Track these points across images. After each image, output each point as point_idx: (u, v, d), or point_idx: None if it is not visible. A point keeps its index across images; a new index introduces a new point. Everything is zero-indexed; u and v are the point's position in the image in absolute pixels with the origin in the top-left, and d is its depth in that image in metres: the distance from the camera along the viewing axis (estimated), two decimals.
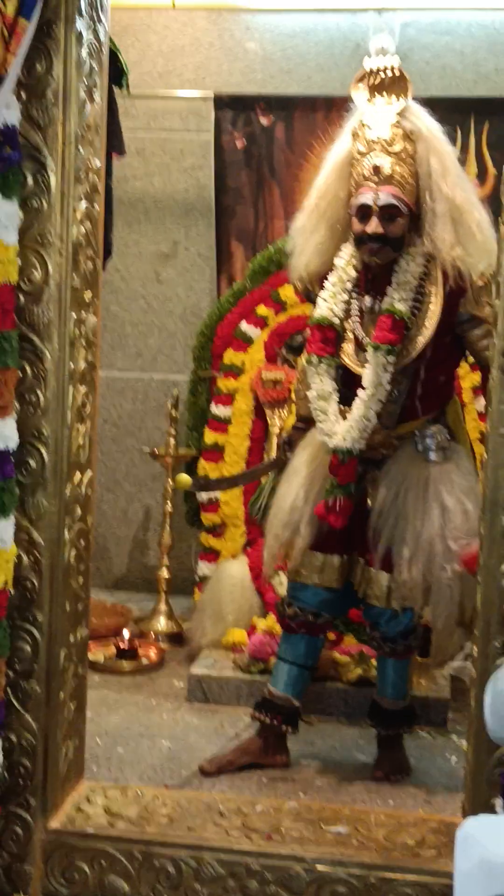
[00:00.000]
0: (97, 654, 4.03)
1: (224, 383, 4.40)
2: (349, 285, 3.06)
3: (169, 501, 4.50)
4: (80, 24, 2.46)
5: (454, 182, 2.96)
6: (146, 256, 5.06)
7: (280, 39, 4.84)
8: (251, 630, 3.90)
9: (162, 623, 4.38)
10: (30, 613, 2.49)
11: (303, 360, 3.24)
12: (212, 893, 2.47)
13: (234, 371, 4.41)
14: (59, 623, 2.52)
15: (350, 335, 3.08)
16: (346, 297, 3.06)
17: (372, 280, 3.03)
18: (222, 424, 4.39)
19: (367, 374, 2.98)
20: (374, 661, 3.66)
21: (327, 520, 3.03)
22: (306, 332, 3.20)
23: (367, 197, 2.94)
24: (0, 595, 2.37)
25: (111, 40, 2.99)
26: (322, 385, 3.05)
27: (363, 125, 2.99)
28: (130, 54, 4.78)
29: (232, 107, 4.75)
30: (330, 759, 3.35)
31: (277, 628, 3.80)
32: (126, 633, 4.17)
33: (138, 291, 5.09)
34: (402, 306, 2.97)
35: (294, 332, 4.28)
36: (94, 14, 2.54)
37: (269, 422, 4.34)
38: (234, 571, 4.10)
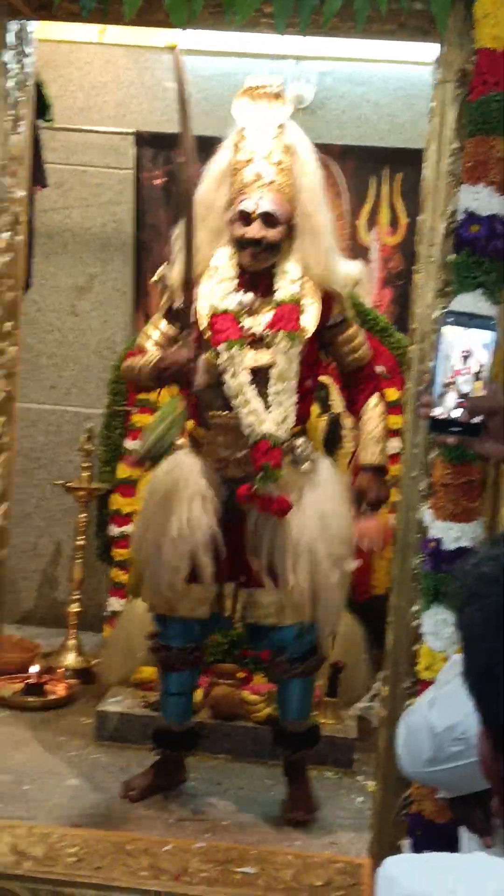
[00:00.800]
0: (4, 689, 3.96)
1: (139, 418, 4.39)
2: (233, 283, 3.11)
3: (81, 535, 4.46)
4: (7, 56, 2.47)
5: (319, 202, 3.12)
6: (62, 289, 5.05)
7: (199, 81, 4.87)
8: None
9: (71, 658, 4.32)
10: None
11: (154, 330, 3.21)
12: None
13: (149, 406, 4.40)
14: None
15: None
16: (231, 291, 3.09)
17: (249, 281, 3.10)
18: None
19: (279, 363, 3.01)
20: None
21: (253, 503, 2.97)
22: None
23: (247, 203, 3.03)
24: None
25: (37, 73, 3.00)
26: (240, 375, 3.02)
27: (244, 136, 3.09)
28: (52, 88, 4.77)
29: (153, 144, 4.78)
30: (238, 798, 3.34)
31: None
32: (34, 669, 4.11)
33: (54, 324, 5.07)
34: (296, 296, 3.06)
35: None
36: (21, 47, 2.56)
37: None
38: (145, 607, 4.08)
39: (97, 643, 4.41)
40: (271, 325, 3.04)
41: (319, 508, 3.06)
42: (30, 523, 5.05)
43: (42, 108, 3.83)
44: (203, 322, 3.07)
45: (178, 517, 3.04)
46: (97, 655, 4.30)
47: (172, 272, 3.12)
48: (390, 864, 1.06)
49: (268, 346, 3.04)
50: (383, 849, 2.42)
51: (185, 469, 3.11)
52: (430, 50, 2.62)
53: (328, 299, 3.13)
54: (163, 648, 3.23)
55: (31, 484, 5.04)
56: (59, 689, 4.09)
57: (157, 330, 3.20)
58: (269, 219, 3.03)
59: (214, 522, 3.03)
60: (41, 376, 5.08)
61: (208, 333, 3.05)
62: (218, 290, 3.08)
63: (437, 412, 1.73)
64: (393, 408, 4.22)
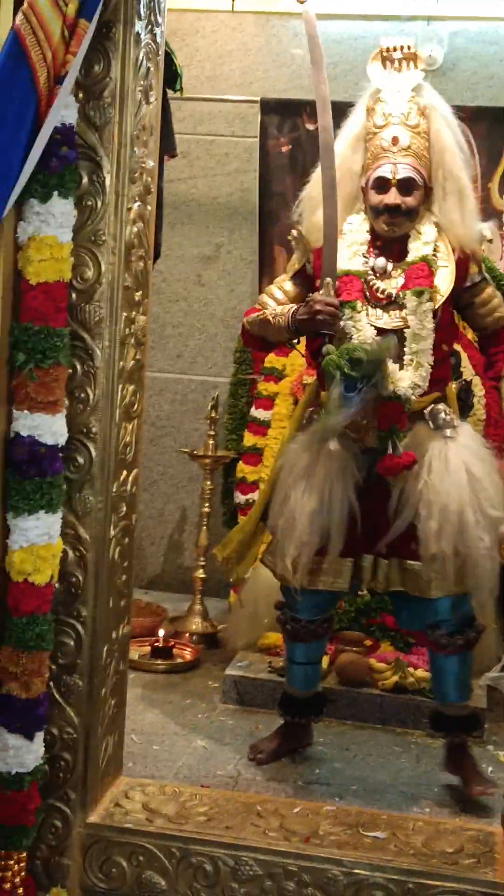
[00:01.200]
0: (132, 652, 4.04)
1: (265, 386, 4.41)
2: (362, 248, 3.08)
3: (206, 503, 4.51)
4: (139, 26, 2.48)
5: (461, 163, 3.06)
6: (188, 259, 5.08)
7: (327, 45, 4.76)
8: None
9: (197, 623, 4.39)
10: (74, 609, 2.51)
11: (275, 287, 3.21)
12: (249, 893, 2.48)
13: (275, 375, 4.42)
14: (102, 619, 2.54)
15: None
16: (361, 259, 3.06)
17: (382, 247, 3.07)
18: (262, 427, 4.40)
19: (413, 322, 2.97)
20: (410, 669, 3.66)
21: (396, 466, 2.93)
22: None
23: (385, 169, 2.99)
24: (46, 589, 2.39)
25: (167, 42, 3.01)
26: (368, 332, 2.98)
27: (379, 100, 3.06)
28: (178, 58, 4.79)
29: (278, 112, 4.76)
30: (366, 764, 3.35)
31: None
32: (161, 633, 4.19)
33: (180, 293, 5.11)
34: (429, 253, 3.02)
35: None
36: (152, 16, 2.56)
37: None
38: (270, 574, 4.09)
39: (222, 609, 4.47)
40: (404, 287, 3.00)
41: (466, 472, 2.98)
42: (156, 490, 5.13)
43: (172, 78, 3.84)
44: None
45: (318, 490, 2.98)
46: (223, 621, 4.35)
47: (309, 233, 3.09)
48: None
49: (401, 308, 3.00)
50: None
51: (308, 451, 3.06)
52: None
53: (464, 260, 3.08)
54: (291, 620, 3.21)
55: (158, 451, 5.11)
56: (185, 653, 4.16)
57: (281, 290, 3.17)
58: (407, 185, 2.99)
59: (353, 496, 2.97)
60: (167, 345, 5.13)
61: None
62: (347, 253, 3.05)
63: None
64: None
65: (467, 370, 4.16)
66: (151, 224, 2.69)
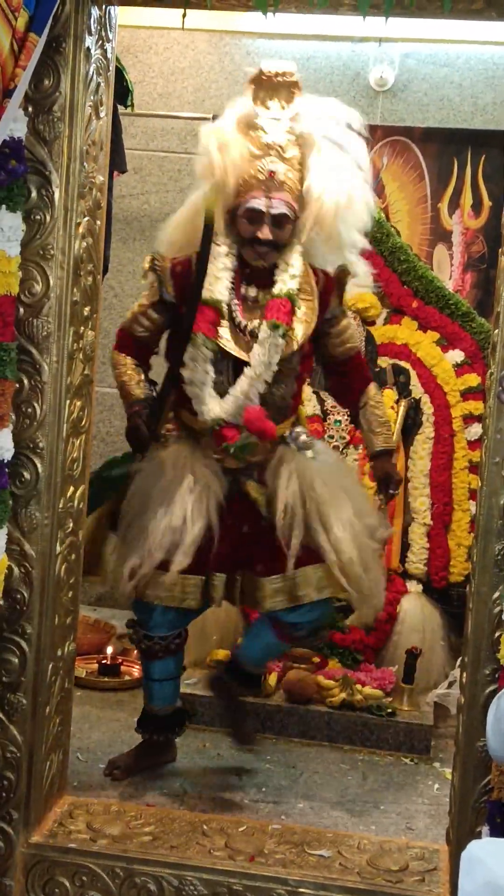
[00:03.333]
0: (80, 669, 4.00)
1: None
2: (229, 277, 3.06)
3: None
4: (89, 42, 2.48)
5: (335, 190, 2.99)
6: (140, 274, 5.05)
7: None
8: (235, 649, 3.89)
9: None
10: (19, 626, 2.49)
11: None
12: None
13: None
14: (47, 636, 2.52)
15: (225, 323, 3.04)
16: (225, 287, 3.05)
17: (250, 274, 3.07)
18: None
19: (256, 353, 2.98)
20: (358, 686, 3.67)
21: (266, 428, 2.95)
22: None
23: (259, 203, 2.97)
24: None
25: (117, 58, 3.01)
26: (201, 368, 3.00)
27: (258, 127, 2.99)
28: (131, 74, 4.79)
29: None
30: (312, 782, 3.34)
31: None
32: (109, 650, 4.15)
33: (131, 309, 5.09)
34: (293, 292, 3.03)
35: None
36: (103, 32, 2.57)
37: None
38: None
39: None
40: (263, 317, 3.01)
41: (339, 485, 3.09)
42: None
43: (123, 93, 3.85)
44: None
45: (179, 506, 2.98)
46: None
47: (166, 262, 3.09)
48: (476, 847, 1.05)
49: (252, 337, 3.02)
50: (461, 835, 2.40)
51: (185, 456, 3.07)
52: None
53: (327, 293, 3.11)
54: (144, 638, 3.18)
55: None
56: (133, 671, 4.13)
57: (147, 318, 3.18)
58: (280, 220, 2.98)
59: (214, 515, 2.99)
60: None
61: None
62: (213, 280, 3.02)
63: None
64: (474, 394, 4.19)
65: (416, 388, 4.20)
66: (101, 239, 2.69)
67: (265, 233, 2.97)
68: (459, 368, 4.23)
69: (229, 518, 3.06)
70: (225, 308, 3.03)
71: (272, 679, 3.72)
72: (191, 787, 3.21)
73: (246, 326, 3.03)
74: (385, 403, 3.44)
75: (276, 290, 3.02)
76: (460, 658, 2.90)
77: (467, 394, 4.20)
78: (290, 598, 3.07)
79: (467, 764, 2.44)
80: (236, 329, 3.04)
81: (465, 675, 2.48)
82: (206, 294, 3.01)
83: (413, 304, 4.28)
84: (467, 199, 4.59)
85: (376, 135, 4.60)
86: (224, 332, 3.03)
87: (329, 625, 3.37)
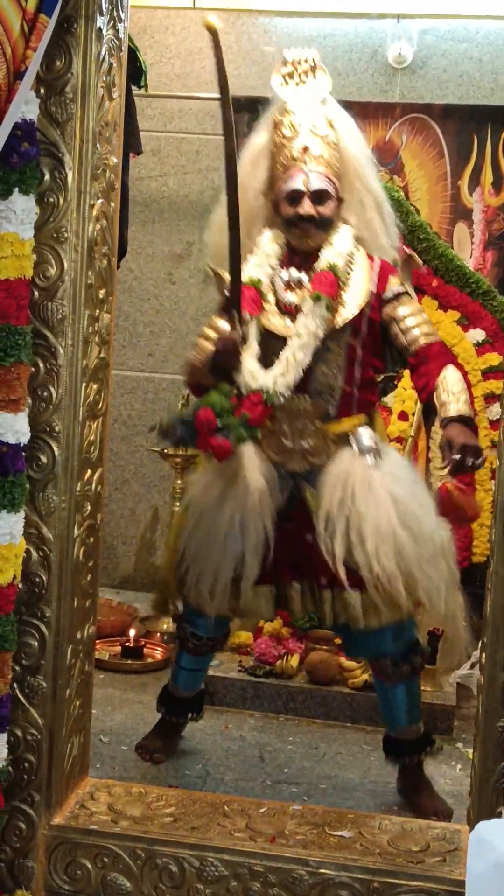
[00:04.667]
0: (102, 652, 4.02)
1: None
2: (273, 261, 3.05)
3: (177, 502, 4.49)
4: (101, 21, 2.46)
5: (372, 175, 3.06)
6: (159, 257, 5.07)
7: (298, 43, 4.80)
8: (257, 633, 3.89)
9: (168, 623, 4.37)
10: (38, 609, 2.49)
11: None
12: (214, 894, 2.46)
13: None
14: (66, 619, 2.52)
15: (272, 305, 3.02)
16: (269, 270, 3.04)
17: (298, 261, 3.03)
18: None
19: (300, 323, 2.93)
20: None
21: (212, 448, 2.74)
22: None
23: (297, 180, 2.96)
24: (8, 589, 2.37)
25: (130, 39, 3.00)
26: (251, 348, 2.95)
27: (287, 111, 3.03)
28: (148, 55, 4.79)
29: (249, 109, 4.71)
30: (335, 763, 3.34)
31: (284, 631, 3.81)
32: (132, 632, 4.17)
33: (151, 291, 5.09)
34: (338, 263, 2.98)
35: None
36: (115, 12, 2.54)
37: None
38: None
39: None
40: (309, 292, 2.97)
41: (391, 498, 2.89)
42: (128, 489, 5.11)
43: (137, 74, 3.82)
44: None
45: (230, 515, 2.91)
46: None
47: (217, 263, 3.06)
48: (484, 827, 1.05)
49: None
50: (482, 816, 2.38)
51: (244, 462, 2.92)
52: None
53: (384, 277, 3.03)
54: (192, 637, 3.16)
55: (129, 451, 5.10)
56: (156, 653, 4.14)
57: (214, 329, 3.05)
58: (320, 196, 2.96)
59: (269, 522, 2.90)
60: (139, 344, 5.12)
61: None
62: (254, 264, 3.02)
63: None
64: (495, 373, 4.16)
65: None
66: (115, 221, 2.67)
67: (305, 208, 2.95)
68: (480, 347, 4.20)
69: (291, 525, 2.96)
70: (267, 288, 3.00)
71: (294, 660, 3.73)
72: (213, 769, 3.23)
73: (294, 305, 2.98)
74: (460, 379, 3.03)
75: (319, 265, 2.99)
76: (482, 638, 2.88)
77: (488, 373, 4.17)
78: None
79: (487, 744, 2.42)
80: (280, 311, 3.02)
81: (483, 655, 2.46)
82: (246, 275, 2.97)
83: (433, 283, 4.24)
84: (488, 176, 4.55)
85: (395, 112, 4.57)
86: (269, 311, 3.01)
87: (415, 644, 3.09)
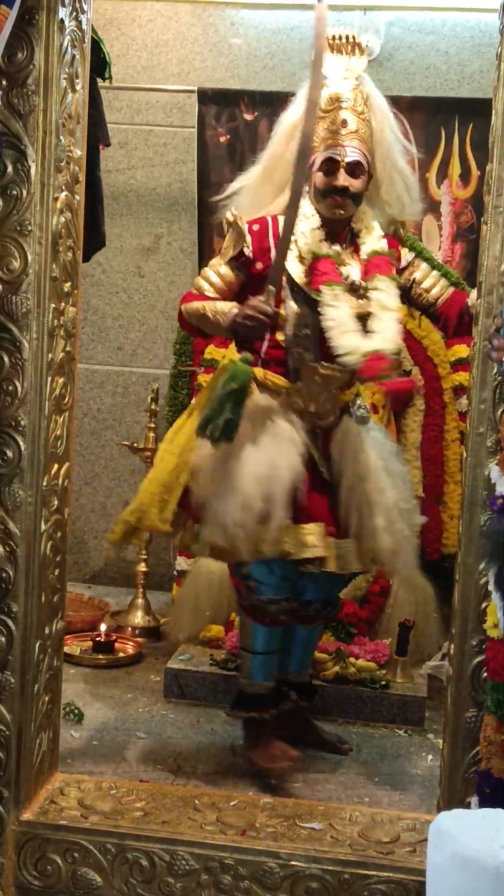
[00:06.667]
0: (73, 647, 4.01)
1: (204, 378, 4.38)
2: (322, 234, 3.10)
3: None
4: (63, 13, 2.44)
5: (400, 152, 3.12)
6: (128, 250, 5.04)
7: (264, 35, 4.83)
8: (229, 626, 3.89)
9: (139, 617, 4.36)
10: (5, 604, 2.47)
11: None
12: (185, 888, 2.46)
13: (215, 366, 4.38)
14: (34, 615, 2.51)
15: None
16: (326, 243, 3.09)
17: (329, 233, 3.10)
18: None
19: (377, 298, 3.00)
20: (351, 660, 3.67)
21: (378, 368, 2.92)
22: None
23: (334, 151, 3.03)
24: None
25: (94, 30, 2.98)
26: (343, 312, 2.97)
27: (324, 85, 3.05)
28: (115, 47, 4.76)
29: (216, 101, 4.72)
30: (305, 755, 3.34)
31: None
32: (103, 627, 4.16)
33: (119, 285, 5.07)
34: (384, 250, 3.11)
35: None
36: (77, 3, 2.52)
37: None
38: (213, 567, 4.08)
39: (165, 602, 4.45)
40: (365, 274, 3.05)
41: (384, 470, 3.11)
42: (98, 483, 5.09)
43: (101, 66, 3.79)
44: (297, 273, 3.03)
45: (265, 456, 2.92)
46: (165, 614, 4.34)
47: (242, 219, 3.06)
48: (444, 819, 1.04)
49: (360, 296, 3.02)
50: (451, 805, 2.40)
51: (270, 412, 3.00)
52: None
53: (394, 244, 3.17)
54: (268, 603, 3.04)
55: (99, 445, 5.08)
56: (127, 648, 4.13)
57: (217, 275, 3.10)
58: (354, 168, 3.04)
59: (299, 465, 2.95)
60: (107, 338, 5.09)
61: (304, 280, 3.02)
62: (311, 237, 3.06)
63: None
64: (464, 365, 4.17)
65: (406, 361, 4.18)
66: (80, 214, 2.66)
67: (340, 179, 3.02)
68: (449, 340, 4.21)
69: (319, 475, 3.07)
70: (337, 259, 3.06)
71: None
72: (183, 763, 3.22)
73: (347, 282, 3.04)
74: None
75: (368, 248, 3.09)
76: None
77: (457, 365, 4.19)
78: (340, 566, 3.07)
79: (456, 735, 2.43)
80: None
81: (452, 646, 2.47)
82: (313, 249, 3.05)
83: None
84: (455, 168, 4.55)
85: None
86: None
87: (337, 600, 3.36)
